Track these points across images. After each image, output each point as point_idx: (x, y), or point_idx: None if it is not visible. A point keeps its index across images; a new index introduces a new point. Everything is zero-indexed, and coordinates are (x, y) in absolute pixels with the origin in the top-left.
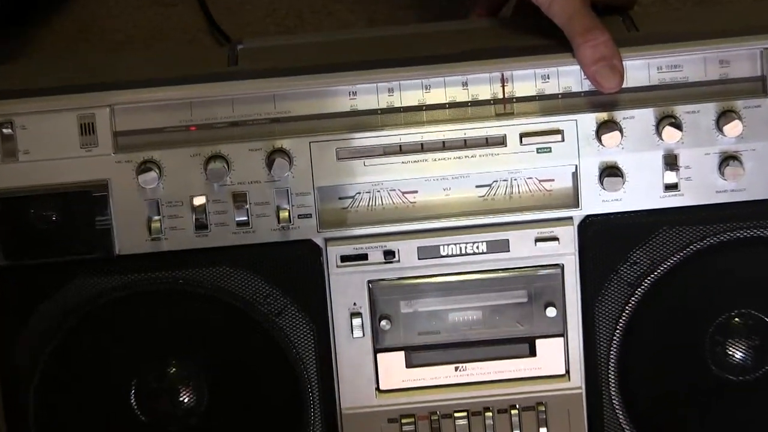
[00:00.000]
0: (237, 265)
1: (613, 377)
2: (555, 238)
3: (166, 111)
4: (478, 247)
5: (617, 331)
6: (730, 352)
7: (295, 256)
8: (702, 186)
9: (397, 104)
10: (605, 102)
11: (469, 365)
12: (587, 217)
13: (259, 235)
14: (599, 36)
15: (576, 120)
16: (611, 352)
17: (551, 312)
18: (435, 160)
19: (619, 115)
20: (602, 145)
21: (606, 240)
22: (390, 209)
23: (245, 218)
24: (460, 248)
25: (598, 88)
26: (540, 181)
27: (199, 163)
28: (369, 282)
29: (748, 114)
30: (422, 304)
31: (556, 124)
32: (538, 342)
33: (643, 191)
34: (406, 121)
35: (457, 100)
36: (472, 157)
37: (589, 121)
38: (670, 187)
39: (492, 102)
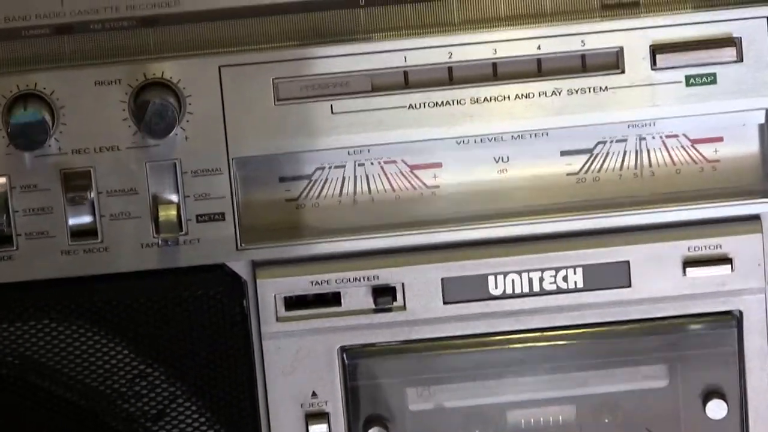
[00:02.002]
0: (72, 317)
1: None
2: (725, 260)
3: None
4: (566, 279)
5: None
6: None
7: (192, 300)
8: None
9: None
10: None
11: None
12: None
13: (116, 256)
14: None
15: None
16: None
17: (717, 409)
18: (477, 101)
19: None
20: None
21: None
22: (385, 201)
23: (90, 220)
24: (530, 280)
25: None
26: (693, 142)
27: None
28: (343, 350)
29: None
30: (452, 395)
31: (725, 27)
32: None
33: None
34: (419, 24)
35: None
36: (553, 94)
37: None
38: None
39: None
